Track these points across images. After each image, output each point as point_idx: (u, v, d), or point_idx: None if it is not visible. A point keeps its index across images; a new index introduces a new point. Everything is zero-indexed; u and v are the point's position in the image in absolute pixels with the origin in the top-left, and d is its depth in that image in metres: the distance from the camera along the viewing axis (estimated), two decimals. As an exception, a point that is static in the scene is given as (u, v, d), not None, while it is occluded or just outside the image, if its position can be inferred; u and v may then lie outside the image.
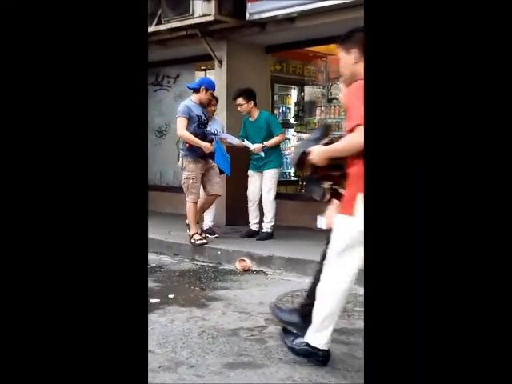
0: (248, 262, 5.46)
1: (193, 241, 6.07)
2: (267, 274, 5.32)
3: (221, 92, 7.65)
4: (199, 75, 9.22)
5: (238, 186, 6.89)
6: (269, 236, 6.42)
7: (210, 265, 5.73)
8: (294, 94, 9.04)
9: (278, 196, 6.65)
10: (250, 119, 6.52)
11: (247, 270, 5.39)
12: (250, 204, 6.56)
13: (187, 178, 6.08)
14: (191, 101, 6.15)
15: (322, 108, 7.87)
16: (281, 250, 5.72)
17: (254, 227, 6.57)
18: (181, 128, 6.00)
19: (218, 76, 7.75)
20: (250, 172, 6.58)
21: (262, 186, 6.49)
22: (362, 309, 4.03)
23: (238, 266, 5.46)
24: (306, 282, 4.97)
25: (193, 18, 6.92)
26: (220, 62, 7.56)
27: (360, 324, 3.69)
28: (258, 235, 6.47)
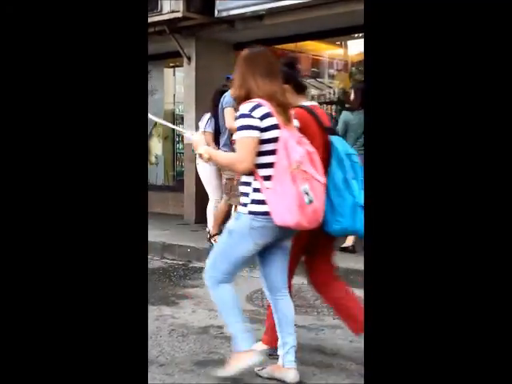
0: (218, 260, 5.45)
1: (213, 241, 5.60)
2: (237, 272, 5.32)
3: (190, 89, 7.63)
4: (168, 72, 9.18)
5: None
6: None
7: (180, 263, 5.71)
8: (263, 91, 9.04)
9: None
10: None
11: (217, 268, 5.38)
12: None
13: (231, 178, 5.34)
14: None
15: (291, 105, 7.89)
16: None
17: None
18: (231, 120, 5.02)
19: (186, 73, 7.73)
20: None
21: None
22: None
23: (208, 263, 5.44)
24: (276, 278, 5.02)
25: (161, 14, 6.89)
26: (189, 59, 7.53)
27: (329, 320, 3.72)
28: None
